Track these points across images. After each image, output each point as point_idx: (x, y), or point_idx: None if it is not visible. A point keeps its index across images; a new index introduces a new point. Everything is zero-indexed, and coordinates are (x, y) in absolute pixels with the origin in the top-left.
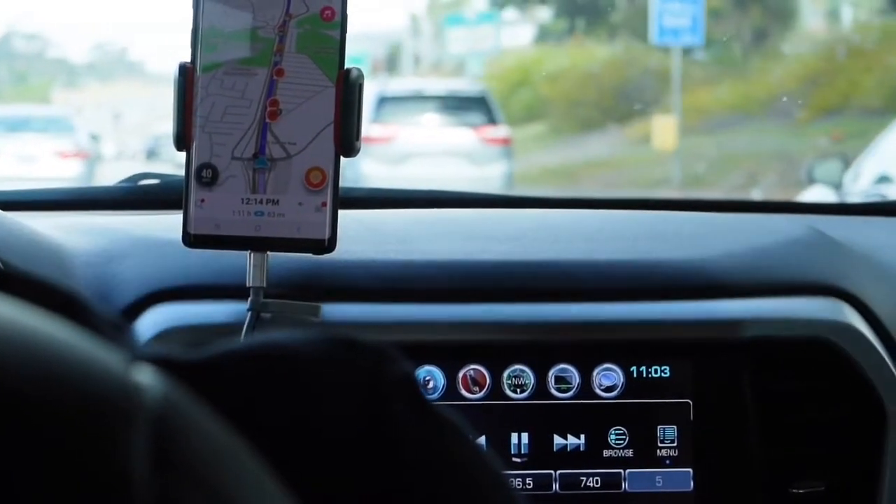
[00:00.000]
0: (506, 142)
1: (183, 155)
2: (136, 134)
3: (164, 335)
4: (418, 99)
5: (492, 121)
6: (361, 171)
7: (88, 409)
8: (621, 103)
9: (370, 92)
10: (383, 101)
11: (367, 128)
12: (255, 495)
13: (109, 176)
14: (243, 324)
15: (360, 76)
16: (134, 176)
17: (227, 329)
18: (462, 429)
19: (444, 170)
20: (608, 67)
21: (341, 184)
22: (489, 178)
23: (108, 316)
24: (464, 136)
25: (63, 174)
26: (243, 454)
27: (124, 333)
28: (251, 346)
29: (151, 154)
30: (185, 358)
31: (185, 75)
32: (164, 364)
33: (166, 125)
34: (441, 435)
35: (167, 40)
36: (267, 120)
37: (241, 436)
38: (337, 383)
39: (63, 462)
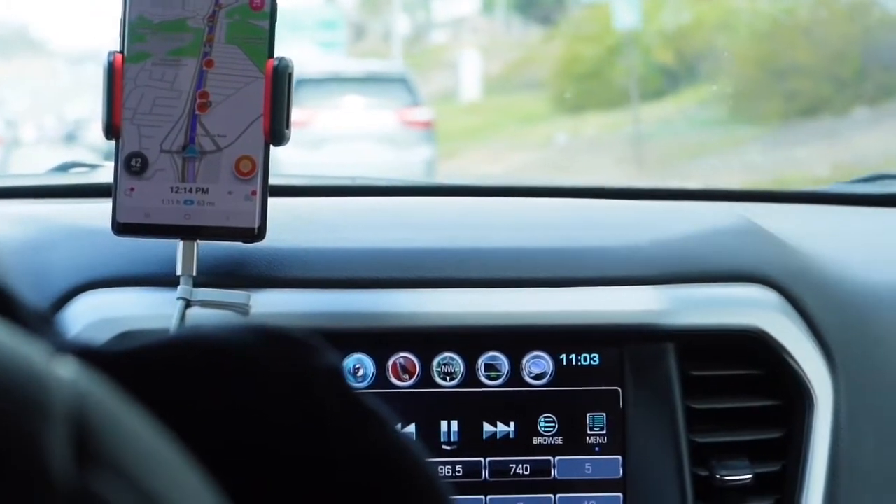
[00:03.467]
0: (427, 125)
1: (101, 141)
2: (49, 115)
3: (94, 325)
4: (336, 81)
5: (413, 102)
6: (276, 156)
7: (5, 404)
8: (869, 72)
9: None
10: (299, 83)
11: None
12: (178, 488)
13: (27, 162)
14: (173, 312)
15: (289, 66)
16: (64, 164)
17: (157, 318)
18: (388, 419)
19: (364, 154)
20: (836, 17)
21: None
22: (410, 164)
23: (33, 307)
24: (384, 119)
25: None
26: (166, 447)
27: (49, 325)
28: (177, 337)
29: (70, 139)
30: (110, 350)
31: (113, 65)
32: (88, 356)
33: (79, 107)
34: (367, 425)
35: (71, 16)
36: (196, 112)
37: (165, 428)
38: (263, 374)
39: None
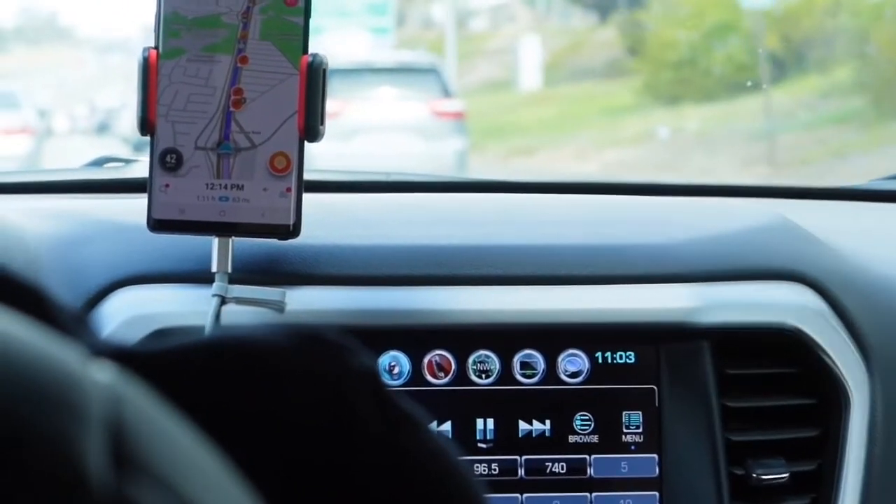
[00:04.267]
0: (458, 115)
1: (133, 132)
2: (80, 105)
3: (129, 321)
4: (366, 71)
5: (444, 93)
6: (308, 148)
7: (42, 409)
8: None
9: None
10: (330, 73)
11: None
12: (214, 493)
13: (59, 154)
14: (208, 309)
15: (324, 62)
16: (99, 159)
17: (192, 314)
18: (424, 422)
19: (395, 146)
20: None
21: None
22: (441, 155)
23: (68, 307)
24: (415, 109)
25: (8, 152)
26: (202, 452)
27: (85, 326)
28: (212, 339)
29: (102, 128)
30: (146, 351)
31: (148, 61)
32: (124, 358)
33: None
34: (403, 428)
35: (99, 4)
36: (231, 108)
37: (201, 431)
38: (299, 377)
39: (16, 462)
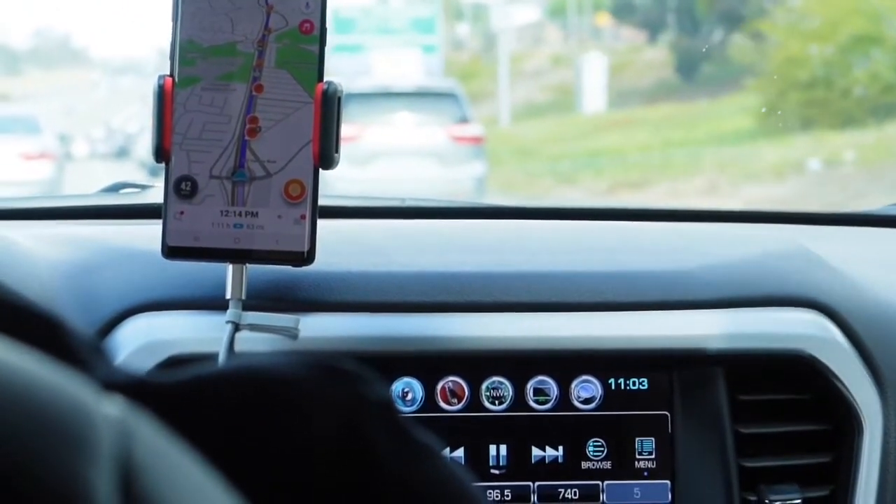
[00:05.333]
0: (477, 140)
1: (150, 157)
2: (98, 128)
3: (143, 348)
4: (385, 96)
5: (463, 118)
6: (325, 173)
7: (52, 443)
8: None
9: None
10: (348, 98)
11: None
12: None
13: (80, 179)
14: (222, 336)
15: (339, 90)
16: (114, 185)
17: (206, 341)
18: (439, 452)
19: (413, 170)
20: None
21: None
22: (460, 180)
23: (83, 336)
24: (433, 134)
25: (29, 177)
26: (213, 487)
27: (100, 354)
28: (226, 370)
29: (122, 153)
30: (160, 382)
31: (163, 89)
32: (137, 390)
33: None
34: (418, 459)
35: (113, 25)
36: (246, 137)
37: (215, 463)
38: (313, 407)
39: (25, 497)
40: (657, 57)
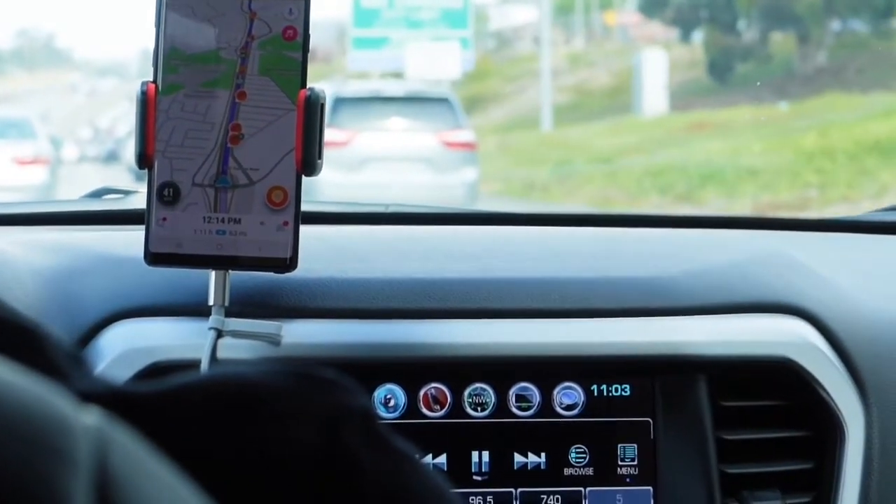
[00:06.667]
0: (469, 146)
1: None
2: (81, 126)
3: (126, 354)
4: (377, 100)
5: (455, 124)
6: (315, 178)
7: (29, 453)
8: None
9: (325, 92)
10: (339, 102)
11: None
12: None
13: (73, 184)
14: (205, 342)
15: (321, 96)
16: (98, 190)
17: (189, 348)
18: (419, 460)
19: (404, 176)
20: None
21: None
22: (452, 186)
23: (63, 347)
24: (425, 140)
25: (22, 182)
26: (192, 498)
27: (80, 364)
28: (206, 379)
29: (111, 157)
30: (139, 392)
31: (147, 95)
32: (116, 400)
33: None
34: (399, 468)
35: (97, 26)
36: (229, 144)
37: (194, 473)
38: (294, 417)
39: None
40: (683, 56)
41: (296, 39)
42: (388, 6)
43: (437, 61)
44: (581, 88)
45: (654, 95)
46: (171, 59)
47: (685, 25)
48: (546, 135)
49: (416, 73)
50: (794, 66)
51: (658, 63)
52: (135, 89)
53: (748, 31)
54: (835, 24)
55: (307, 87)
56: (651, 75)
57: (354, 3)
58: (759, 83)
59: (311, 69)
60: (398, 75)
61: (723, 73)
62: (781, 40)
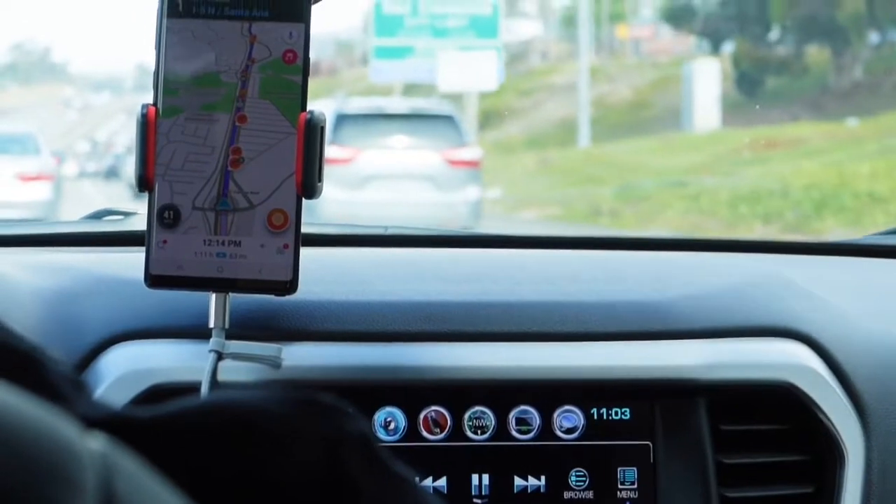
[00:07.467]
0: (473, 164)
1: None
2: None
3: (126, 377)
4: (380, 118)
5: (459, 142)
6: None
7: (35, 479)
8: None
9: (328, 109)
10: (342, 119)
11: (325, 150)
12: None
13: (76, 202)
14: (205, 364)
15: (321, 119)
16: (98, 212)
17: (189, 370)
18: (418, 485)
19: (408, 194)
20: None
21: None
22: (455, 204)
23: (65, 371)
24: (429, 158)
25: (26, 199)
26: None
27: (81, 388)
28: (206, 404)
29: (111, 174)
30: (142, 417)
31: (147, 118)
32: (118, 425)
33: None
34: (398, 492)
35: (92, 41)
36: (229, 168)
37: (197, 497)
38: (293, 442)
39: None
40: (710, 69)
41: (296, 63)
42: (411, 13)
43: (471, 71)
44: (602, 103)
45: (705, 109)
46: (172, 82)
47: (714, 37)
48: (586, 151)
49: (447, 84)
50: (829, 80)
51: (710, 74)
52: (130, 103)
53: (781, 44)
54: (872, 37)
55: (307, 109)
56: (702, 88)
57: (375, 10)
58: (791, 99)
59: (316, 83)
60: (426, 88)
61: (753, 88)
62: (815, 53)
